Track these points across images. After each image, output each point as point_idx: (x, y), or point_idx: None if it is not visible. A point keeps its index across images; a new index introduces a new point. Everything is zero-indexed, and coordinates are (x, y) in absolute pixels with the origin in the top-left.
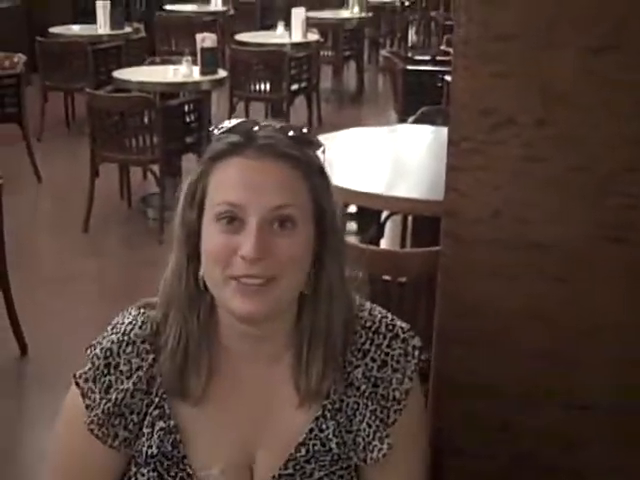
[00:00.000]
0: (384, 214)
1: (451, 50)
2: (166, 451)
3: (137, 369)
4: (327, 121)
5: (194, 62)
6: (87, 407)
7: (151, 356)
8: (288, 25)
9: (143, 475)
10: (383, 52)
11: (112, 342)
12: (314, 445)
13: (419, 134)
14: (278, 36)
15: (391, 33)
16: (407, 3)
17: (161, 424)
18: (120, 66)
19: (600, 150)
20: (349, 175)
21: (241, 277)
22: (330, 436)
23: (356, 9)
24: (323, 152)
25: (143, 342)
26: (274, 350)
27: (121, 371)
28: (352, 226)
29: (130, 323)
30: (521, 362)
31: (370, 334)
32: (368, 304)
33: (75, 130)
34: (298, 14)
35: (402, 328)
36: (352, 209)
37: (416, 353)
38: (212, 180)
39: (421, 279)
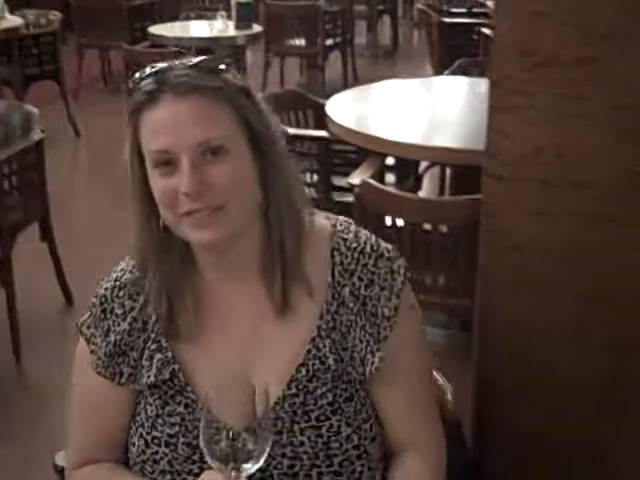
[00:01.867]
0: (422, 166)
1: (488, 2)
2: (165, 379)
3: (130, 310)
4: (362, 76)
5: (229, 17)
6: (92, 352)
7: (142, 297)
8: None
9: (150, 405)
10: (418, 5)
11: (106, 289)
12: (313, 364)
13: (455, 85)
14: None
15: None
16: None
17: (159, 356)
18: (155, 22)
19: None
20: (387, 126)
21: (188, 213)
22: (327, 354)
23: None
24: (239, 77)
25: (133, 285)
26: (248, 272)
27: (116, 314)
28: (390, 178)
29: (122, 269)
30: (564, 301)
31: (355, 254)
32: (353, 227)
33: (112, 86)
34: None
35: (387, 248)
36: (390, 161)
37: (402, 271)
38: (142, 131)
39: (461, 228)
